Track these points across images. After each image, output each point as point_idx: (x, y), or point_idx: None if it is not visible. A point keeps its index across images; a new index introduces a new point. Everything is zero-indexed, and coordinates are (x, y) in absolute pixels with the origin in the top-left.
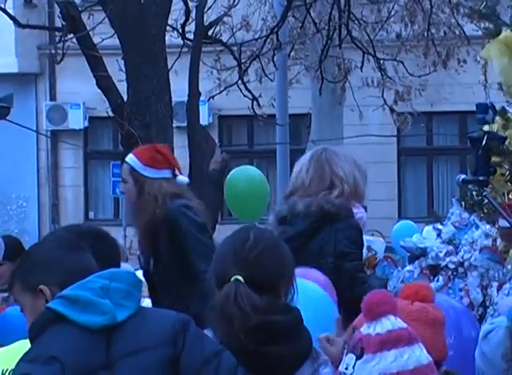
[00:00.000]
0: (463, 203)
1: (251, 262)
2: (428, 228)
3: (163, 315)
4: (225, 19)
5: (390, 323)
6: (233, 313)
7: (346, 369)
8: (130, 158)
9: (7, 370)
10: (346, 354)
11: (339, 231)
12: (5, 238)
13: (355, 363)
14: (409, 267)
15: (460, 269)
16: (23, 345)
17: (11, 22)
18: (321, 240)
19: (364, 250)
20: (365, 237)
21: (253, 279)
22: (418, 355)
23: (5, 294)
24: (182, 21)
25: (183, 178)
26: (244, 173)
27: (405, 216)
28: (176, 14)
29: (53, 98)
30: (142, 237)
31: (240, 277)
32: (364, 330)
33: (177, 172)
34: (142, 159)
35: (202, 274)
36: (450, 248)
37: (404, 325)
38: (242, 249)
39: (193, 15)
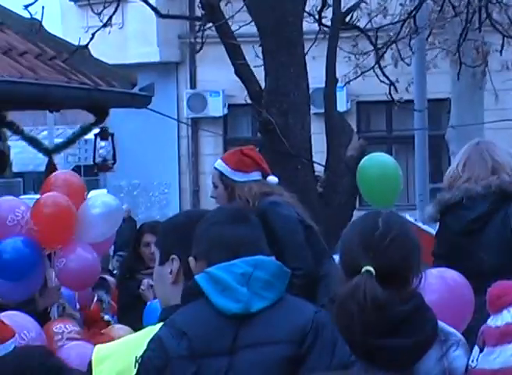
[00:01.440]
0: None
1: (382, 252)
2: None
3: (301, 310)
4: (362, 4)
5: (510, 316)
6: (352, 306)
7: (472, 361)
8: (219, 163)
9: (141, 357)
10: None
11: None
12: (151, 223)
13: (478, 356)
14: None
15: None
16: (152, 331)
17: (153, 12)
18: (501, 217)
19: None
20: None
21: (382, 269)
22: None
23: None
24: (318, 7)
25: (273, 178)
26: (376, 160)
27: None
28: (313, 0)
29: (193, 86)
30: None
31: (371, 269)
32: (489, 322)
33: (266, 172)
34: (230, 164)
35: (295, 271)
36: None
37: None
38: (371, 238)
39: (329, 1)
